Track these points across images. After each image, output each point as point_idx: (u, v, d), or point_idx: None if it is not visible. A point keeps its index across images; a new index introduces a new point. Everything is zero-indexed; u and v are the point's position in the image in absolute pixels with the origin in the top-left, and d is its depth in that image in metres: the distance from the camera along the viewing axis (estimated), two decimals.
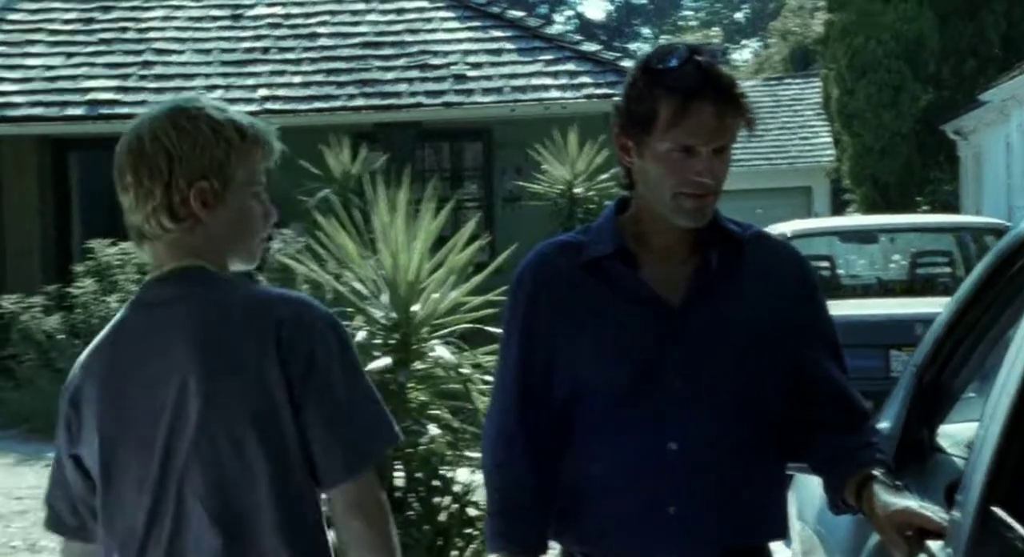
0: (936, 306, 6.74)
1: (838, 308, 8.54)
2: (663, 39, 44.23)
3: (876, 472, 1.94)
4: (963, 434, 2.49)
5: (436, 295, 4.46)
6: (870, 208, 18.02)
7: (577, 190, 10.44)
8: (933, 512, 1.89)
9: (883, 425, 2.52)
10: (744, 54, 43.73)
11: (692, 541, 1.96)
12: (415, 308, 4.47)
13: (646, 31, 44.59)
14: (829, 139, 21.88)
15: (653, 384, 1.94)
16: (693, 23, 44.06)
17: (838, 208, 20.97)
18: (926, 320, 6.48)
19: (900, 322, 6.83)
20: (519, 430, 2.01)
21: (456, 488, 4.41)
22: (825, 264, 9.00)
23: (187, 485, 1.88)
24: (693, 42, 2.03)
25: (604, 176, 10.32)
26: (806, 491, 3.07)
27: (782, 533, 2.09)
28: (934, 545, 1.93)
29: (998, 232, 7.99)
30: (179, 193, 1.88)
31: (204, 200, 1.89)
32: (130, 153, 1.89)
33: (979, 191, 17.29)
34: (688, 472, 1.94)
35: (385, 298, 4.50)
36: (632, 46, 38.56)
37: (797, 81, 25.24)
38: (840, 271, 9.33)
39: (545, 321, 2.00)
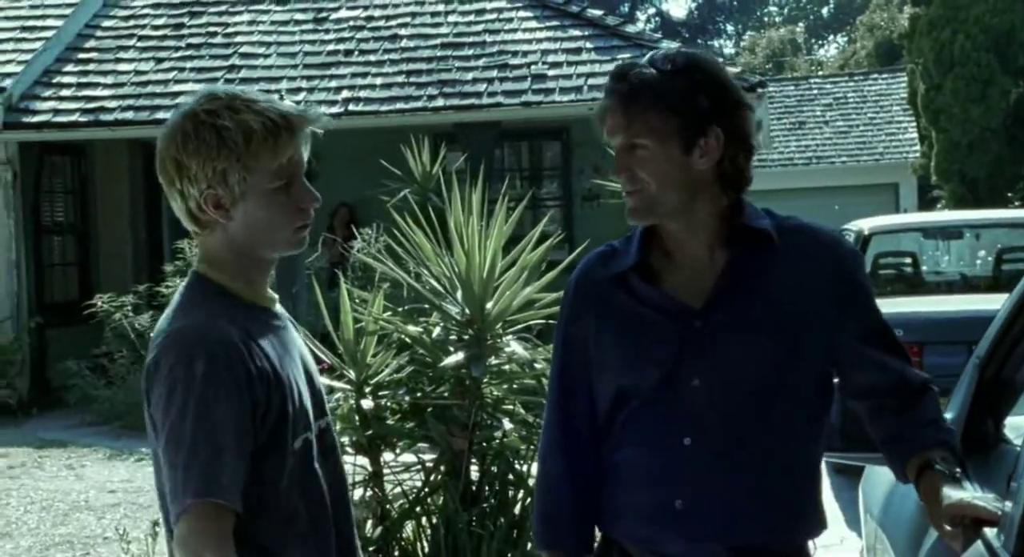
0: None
1: (921, 305, 8.47)
2: (747, 36, 43.82)
3: (936, 456, 1.95)
4: None
5: (509, 292, 4.49)
6: (958, 204, 17.61)
7: None
8: (987, 501, 1.89)
9: (948, 416, 2.49)
10: (830, 50, 43.05)
11: (697, 536, 1.98)
12: (488, 305, 4.50)
13: (729, 28, 44.13)
14: (916, 135, 21.43)
15: (674, 385, 1.98)
16: (778, 19, 43.45)
17: (926, 205, 20.53)
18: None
19: (984, 319, 6.65)
20: (561, 434, 2.10)
21: (530, 482, 4.40)
22: (908, 260, 8.85)
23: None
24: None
25: None
26: (873, 485, 3.08)
27: (806, 533, 2.07)
28: (989, 532, 1.92)
29: None
30: (193, 200, 1.92)
31: (217, 205, 1.91)
32: (156, 158, 1.95)
33: None
34: (698, 468, 1.97)
35: (459, 295, 4.53)
36: (715, 43, 38.22)
37: (883, 76, 24.75)
38: (924, 267, 9.17)
39: (583, 330, 2.07)
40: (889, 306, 7.17)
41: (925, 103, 18.82)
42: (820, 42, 44.09)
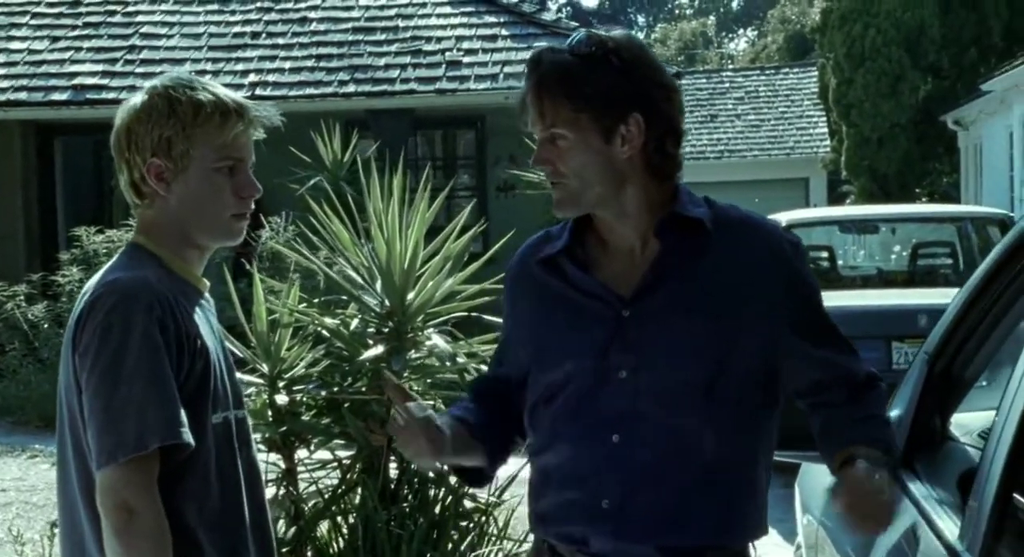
0: (938, 297, 6.72)
1: (838, 299, 8.48)
2: (658, 28, 44.21)
3: (862, 452, 1.89)
4: (976, 423, 2.50)
5: (431, 283, 4.38)
6: (868, 199, 17.92)
7: None
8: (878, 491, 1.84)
9: (894, 413, 2.48)
10: (740, 43, 43.67)
11: (625, 536, 1.90)
12: (409, 296, 4.39)
13: (640, 19, 44.50)
14: (826, 129, 21.76)
15: (603, 378, 1.92)
16: (688, 11, 43.92)
17: (835, 200, 20.86)
18: (928, 311, 6.45)
19: (902, 313, 6.76)
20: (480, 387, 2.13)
21: (451, 479, 4.31)
22: (824, 254, 8.90)
23: (62, 479, 1.98)
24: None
25: None
26: (811, 482, 2.99)
27: (746, 535, 1.97)
28: (949, 534, 1.89)
29: (1002, 223, 7.92)
30: (137, 169, 1.95)
31: (159, 176, 1.94)
32: (113, 133, 1.99)
33: (979, 182, 17.18)
34: (626, 466, 1.90)
35: (379, 286, 4.41)
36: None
37: (794, 70, 25.02)
38: (840, 262, 9.22)
39: (519, 317, 2.05)
40: None
41: (836, 97, 19.12)
42: (731, 35, 44.69)
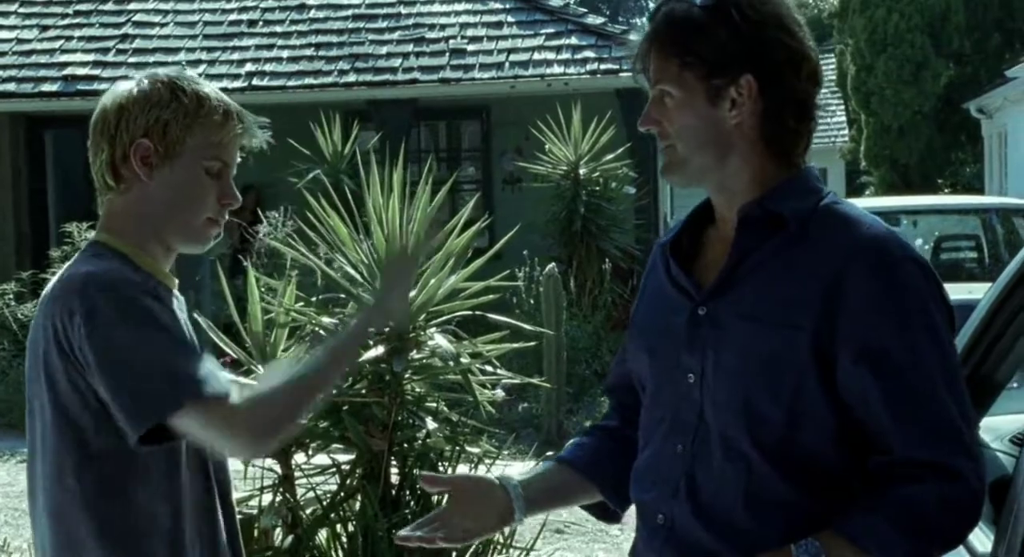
0: (963, 292, 6.49)
1: None
2: None
3: (839, 547, 1.58)
4: (1008, 427, 2.47)
5: (433, 281, 4.27)
6: (888, 191, 17.80)
7: (581, 171, 10.09)
8: None
9: None
10: None
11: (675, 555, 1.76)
12: (411, 294, 4.20)
13: (652, 5, 44.27)
14: (844, 118, 21.57)
15: (674, 379, 1.80)
16: None
17: (854, 191, 20.70)
18: (953, 307, 6.26)
19: None
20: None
21: None
22: None
23: (36, 482, 1.96)
24: None
25: (609, 156, 9.98)
26: None
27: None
28: (981, 547, 1.81)
29: None
30: (121, 147, 1.91)
31: (144, 158, 1.91)
32: (97, 112, 1.96)
33: (1004, 172, 16.99)
34: (684, 479, 1.76)
35: (379, 284, 4.24)
36: (637, 21, 38.28)
37: None
38: None
39: (637, 306, 1.96)
40: None
41: (855, 85, 18.96)
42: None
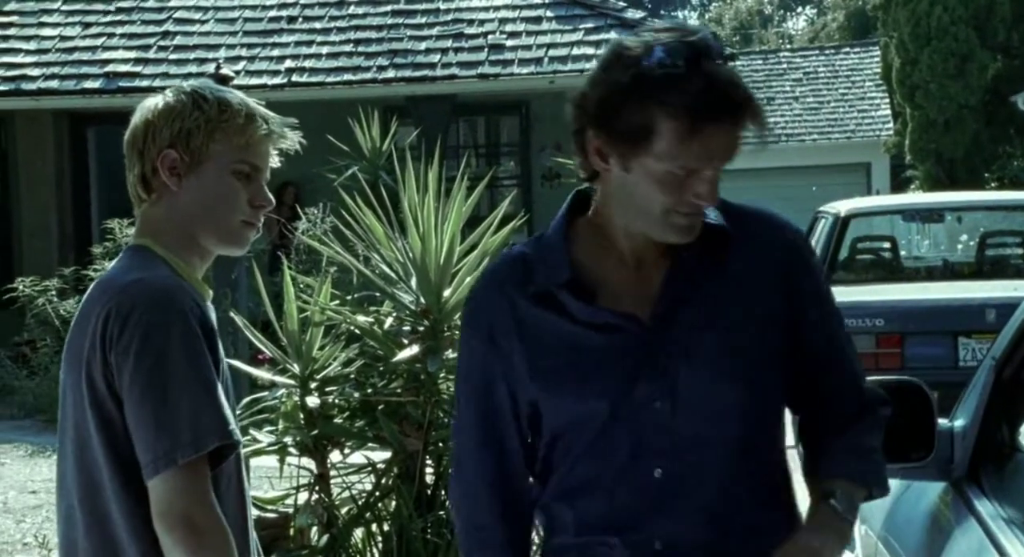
0: (1008, 290, 6.40)
1: (901, 292, 8.15)
2: (713, 6, 43.56)
3: (839, 488, 1.78)
4: None
5: (469, 279, 4.23)
6: (934, 185, 17.58)
7: None
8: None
9: (959, 423, 2.42)
10: (799, 22, 43.09)
11: None
12: (446, 293, 4.27)
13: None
14: (889, 112, 21.33)
15: (635, 410, 1.76)
16: None
17: (899, 185, 20.44)
18: (997, 305, 6.15)
19: (969, 307, 6.53)
20: (493, 496, 1.87)
21: None
22: (886, 245, 8.63)
23: (67, 480, 1.95)
24: (686, 30, 1.71)
25: None
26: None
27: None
28: None
29: None
30: (150, 161, 1.95)
31: (172, 168, 1.94)
32: (129, 130, 2.00)
33: None
34: (675, 501, 1.77)
35: (414, 283, 4.31)
36: (679, 14, 37.98)
37: (855, 50, 24.47)
38: (902, 253, 8.97)
39: (504, 363, 1.81)
40: (868, 294, 6.95)
41: (900, 78, 18.72)
42: (789, 13, 44.10)
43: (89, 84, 10.93)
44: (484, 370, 1.82)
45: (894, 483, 2.64)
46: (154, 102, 1.99)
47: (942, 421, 2.37)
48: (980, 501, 2.20)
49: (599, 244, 1.79)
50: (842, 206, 7.90)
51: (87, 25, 11.57)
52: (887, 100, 21.47)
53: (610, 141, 1.70)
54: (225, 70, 9.49)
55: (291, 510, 4.20)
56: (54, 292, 9.37)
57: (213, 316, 1.99)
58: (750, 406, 1.78)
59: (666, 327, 1.75)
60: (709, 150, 1.67)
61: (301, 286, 4.41)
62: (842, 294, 7.31)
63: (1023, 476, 2.29)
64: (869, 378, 2.03)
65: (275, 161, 2.03)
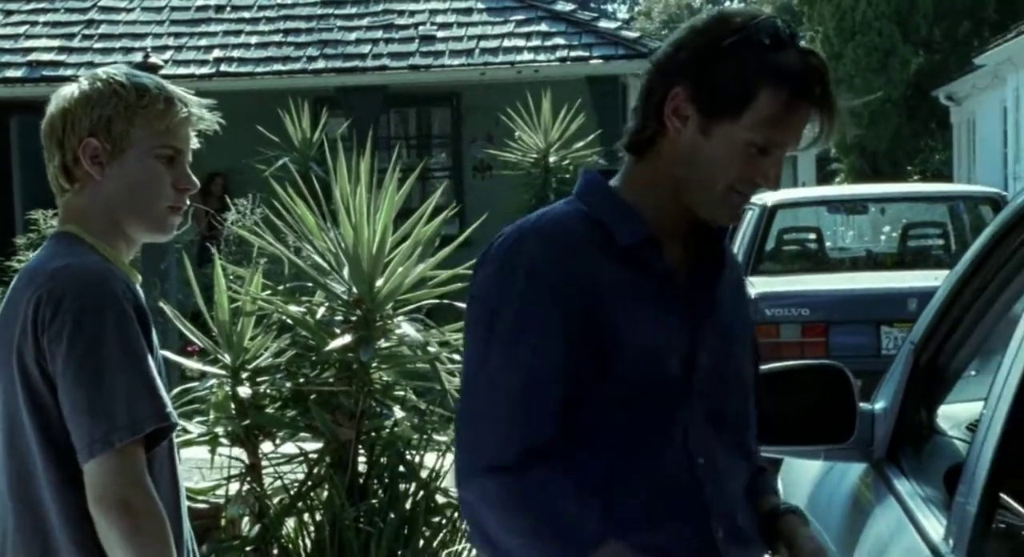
0: (929, 279, 6.53)
1: (826, 282, 8.26)
2: (643, 1, 43.65)
3: (775, 501, 1.83)
4: (964, 415, 2.45)
5: (401, 269, 4.25)
6: (858, 178, 17.86)
7: (551, 158, 10.07)
8: None
9: (879, 405, 2.43)
10: None
11: None
12: (378, 283, 4.26)
13: None
14: None
15: (691, 380, 1.75)
16: None
17: (824, 178, 20.72)
18: (919, 294, 6.28)
19: (891, 296, 6.64)
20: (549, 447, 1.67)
21: (423, 474, 4.22)
22: (812, 236, 8.76)
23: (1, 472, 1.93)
24: (771, 14, 1.73)
25: (579, 144, 9.96)
26: (794, 475, 2.91)
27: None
28: (935, 534, 1.85)
29: (994, 202, 7.77)
30: (71, 151, 1.93)
31: (94, 157, 1.93)
32: (45, 120, 1.98)
33: (972, 159, 17.10)
34: (715, 487, 1.76)
35: (346, 273, 4.29)
36: (608, 7, 38.05)
37: None
38: (827, 243, 9.09)
39: (581, 318, 1.68)
40: (794, 284, 7.06)
41: None
42: (717, 7, 44.22)
43: (11, 73, 10.75)
44: (563, 330, 1.67)
45: (816, 464, 2.70)
46: (70, 90, 1.96)
47: (863, 404, 2.41)
48: (899, 480, 2.24)
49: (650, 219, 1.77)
50: (768, 197, 7.99)
51: (8, 12, 11.37)
52: None
53: (700, 100, 1.66)
54: (154, 59, 9.36)
55: (222, 500, 4.17)
56: None
57: (145, 307, 1.97)
58: (749, 395, 1.85)
59: (706, 304, 1.76)
60: (795, 130, 1.67)
61: (232, 277, 4.38)
62: (768, 284, 7.36)
63: (940, 456, 2.33)
64: (793, 363, 2.07)
65: (195, 142, 2.02)
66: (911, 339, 2.47)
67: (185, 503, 2.04)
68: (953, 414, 2.51)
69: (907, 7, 18.14)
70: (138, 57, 9.64)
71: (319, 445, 4.25)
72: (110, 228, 1.96)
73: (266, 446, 4.28)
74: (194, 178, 1.99)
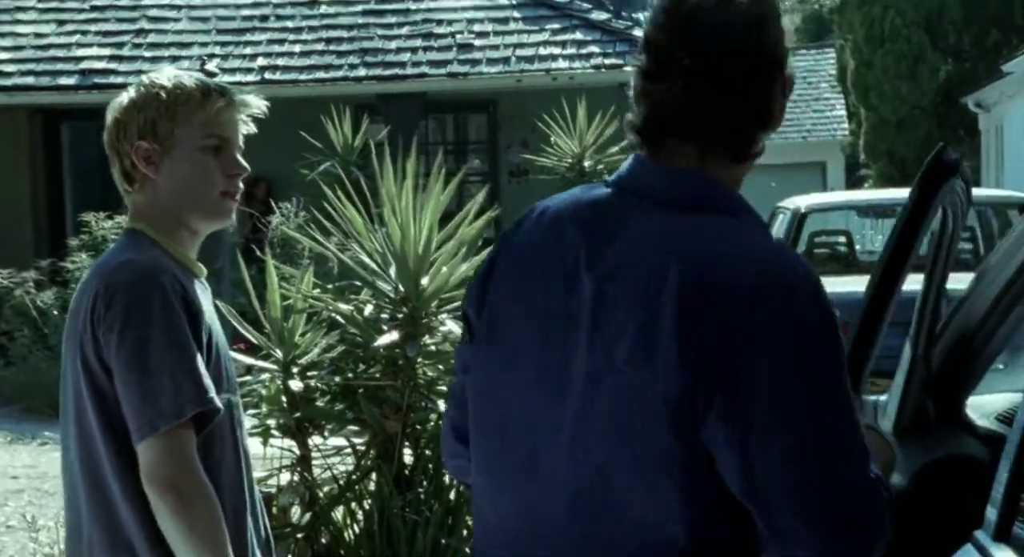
0: (959, 282, 6.61)
1: (856, 284, 8.44)
2: None
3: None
4: (991, 406, 2.44)
5: (445, 268, 4.33)
6: (887, 184, 17.77)
7: (586, 163, 10.16)
8: None
9: (883, 398, 2.46)
10: None
11: None
12: (424, 281, 4.34)
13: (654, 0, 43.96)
14: (844, 112, 21.52)
15: None
16: None
17: (853, 184, 20.65)
18: (947, 296, 6.37)
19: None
20: None
21: None
22: (842, 239, 8.82)
23: (71, 454, 2.04)
24: None
25: (614, 149, 10.06)
26: None
27: None
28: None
29: (1022, 206, 7.79)
30: (127, 155, 2.05)
31: (147, 158, 2.03)
32: (105, 130, 2.09)
33: (1001, 165, 16.98)
34: None
35: (393, 271, 4.37)
36: (639, 15, 37.98)
37: (811, 52, 24.46)
38: (857, 246, 9.14)
39: None
40: (825, 285, 7.16)
41: (854, 80, 18.94)
42: None
43: (64, 81, 10.92)
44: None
45: None
46: (120, 100, 2.07)
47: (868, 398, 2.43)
48: None
49: None
50: (800, 202, 8.10)
51: (61, 23, 11.54)
52: (842, 101, 21.62)
53: None
54: (210, 66, 9.58)
55: (274, 490, 4.26)
56: (31, 284, 9.41)
57: (206, 294, 2.08)
58: None
59: None
60: None
61: (284, 275, 4.46)
62: None
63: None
64: None
65: (248, 127, 2.09)
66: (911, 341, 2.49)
67: (253, 476, 2.13)
68: (982, 404, 2.49)
69: (936, 15, 18.05)
70: (186, 65, 9.85)
71: (366, 437, 4.33)
72: (171, 223, 2.05)
73: (316, 438, 4.38)
74: (243, 162, 2.06)
